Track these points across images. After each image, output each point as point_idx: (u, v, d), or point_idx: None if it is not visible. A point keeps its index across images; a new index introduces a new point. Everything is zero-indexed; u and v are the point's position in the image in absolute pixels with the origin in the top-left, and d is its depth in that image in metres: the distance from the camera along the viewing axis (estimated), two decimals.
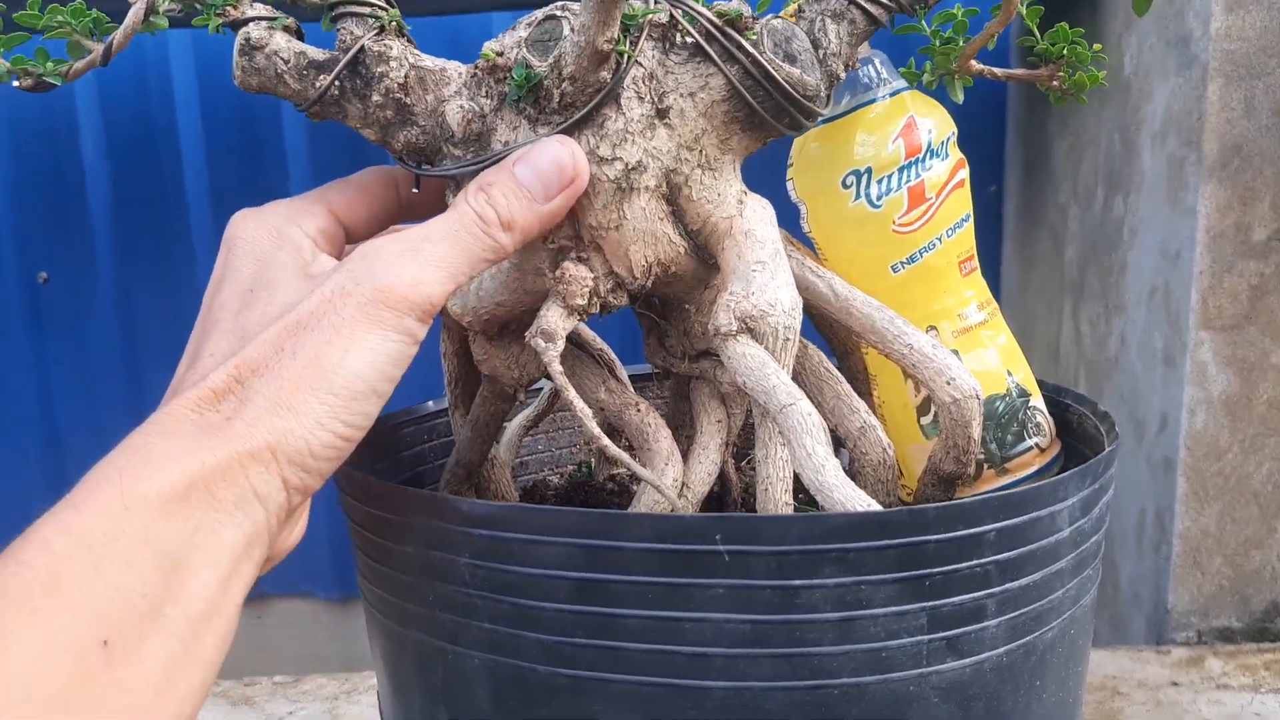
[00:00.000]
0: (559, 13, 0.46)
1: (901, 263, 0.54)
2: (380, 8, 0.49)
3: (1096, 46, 0.55)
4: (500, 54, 0.47)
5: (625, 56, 0.45)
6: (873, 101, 0.53)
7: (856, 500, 0.41)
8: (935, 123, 0.54)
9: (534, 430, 0.67)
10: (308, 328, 0.40)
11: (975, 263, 0.56)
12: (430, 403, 0.67)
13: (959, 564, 0.39)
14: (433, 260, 0.42)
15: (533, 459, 0.69)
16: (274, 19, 0.50)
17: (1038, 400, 0.56)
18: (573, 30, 0.44)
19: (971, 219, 0.56)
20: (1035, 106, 1.32)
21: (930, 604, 0.38)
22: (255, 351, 0.40)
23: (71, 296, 1.57)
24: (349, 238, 0.51)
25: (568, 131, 0.45)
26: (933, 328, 0.55)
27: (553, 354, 0.45)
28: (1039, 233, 1.32)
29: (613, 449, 0.43)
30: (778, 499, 0.45)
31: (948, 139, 0.55)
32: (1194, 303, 0.91)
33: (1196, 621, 0.99)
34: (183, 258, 1.55)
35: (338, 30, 0.50)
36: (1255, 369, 0.93)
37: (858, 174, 0.53)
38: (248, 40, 0.50)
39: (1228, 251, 0.90)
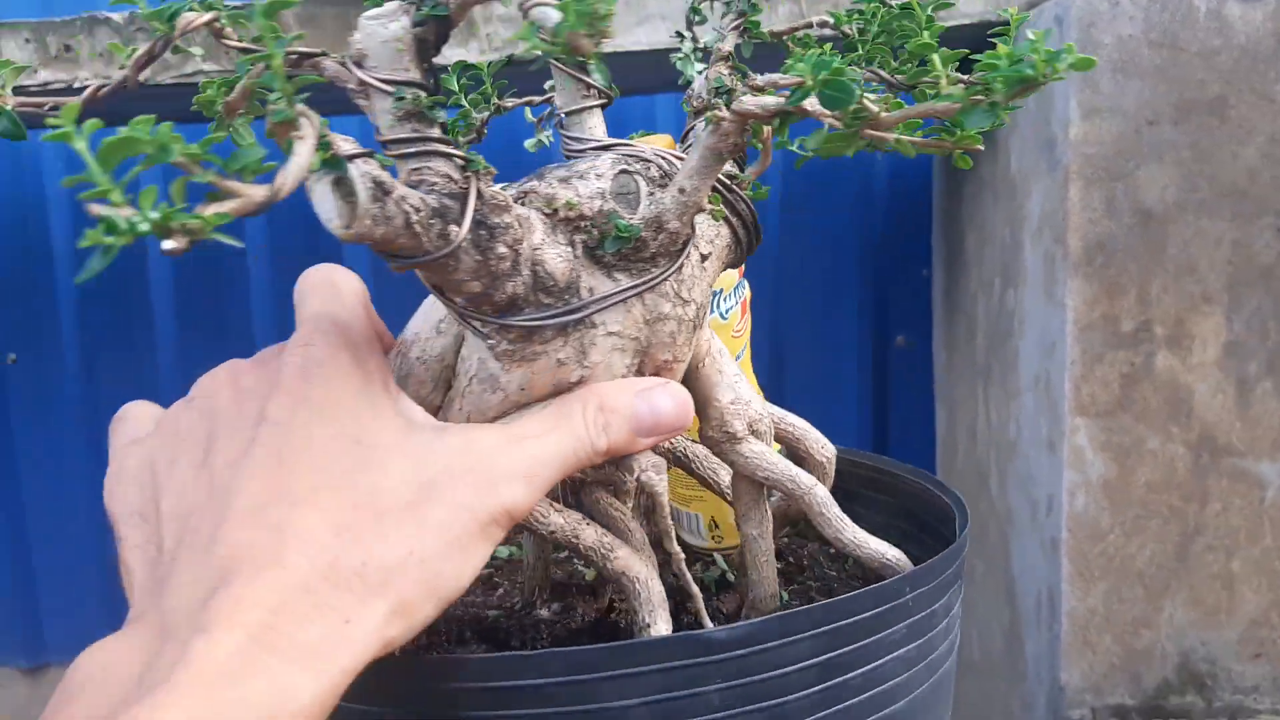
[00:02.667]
0: (628, 167, 0.46)
1: (735, 358, 0.62)
2: (469, 152, 0.44)
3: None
4: (576, 204, 0.46)
5: (717, 215, 0.48)
6: None
7: (886, 549, 0.49)
8: None
9: None
10: (431, 530, 0.37)
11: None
12: None
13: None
14: (540, 485, 0.40)
15: None
16: (371, 153, 0.42)
17: None
18: (674, 190, 0.45)
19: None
20: (953, 198, 1.38)
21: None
22: (392, 549, 0.36)
23: (39, 375, 1.63)
24: None
25: (660, 278, 0.46)
26: None
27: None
28: (958, 318, 1.37)
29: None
30: (768, 561, 0.52)
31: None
32: (1068, 390, 0.96)
33: (1091, 699, 1.02)
34: (145, 340, 1.61)
35: (418, 169, 0.42)
36: (1131, 454, 0.97)
37: (716, 293, 0.61)
38: (380, 183, 0.39)
39: (1097, 342, 0.95)
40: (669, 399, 0.44)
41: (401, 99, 0.42)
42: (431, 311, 0.47)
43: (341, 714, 0.36)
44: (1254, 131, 0.92)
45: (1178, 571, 0.99)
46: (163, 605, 0.35)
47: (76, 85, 1.14)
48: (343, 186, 0.37)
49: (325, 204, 0.37)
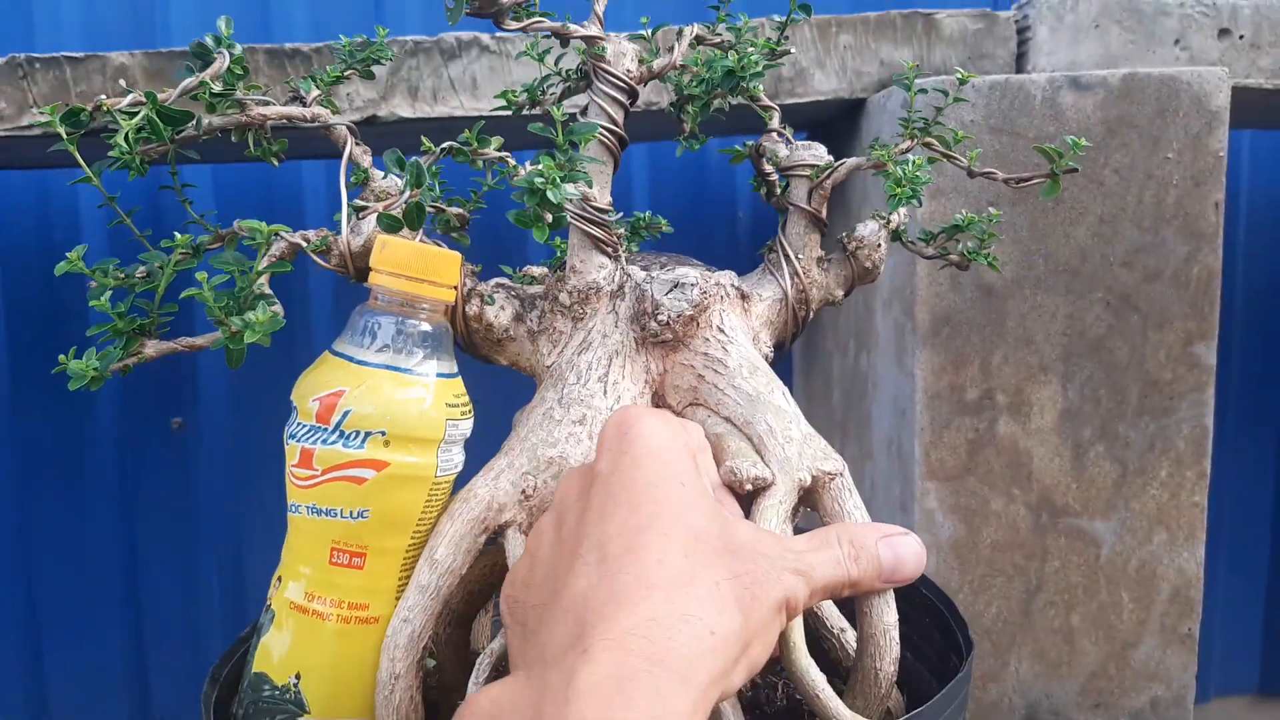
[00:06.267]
0: None
1: (293, 503, 0.52)
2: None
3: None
4: None
5: None
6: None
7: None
8: (357, 405, 0.50)
9: None
10: (758, 580, 0.41)
11: (359, 563, 0.51)
12: None
13: None
14: (811, 590, 0.43)
15: None
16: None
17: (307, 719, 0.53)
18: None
19: (369, 519, 0.51)
20: None
21: None
22: (738, 575, 0.40)
23: None
24: None
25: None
26: (280, 579, 0.53)
27: None
28: (816, 372, 1.41)
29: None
30: None
31: (370, 432, 0.50)
32: (918, 456, 0.99)
33: None
34: None
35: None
36: (977, 515, 1.01)
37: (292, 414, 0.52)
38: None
39: (945, 410, 0.99)
40: (912, 546, 0.47)
41: None
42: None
43: None
44: (1085, 213, 0.98)
45: (1022, 626, 1.04)
46: (540, 644, 0.38)
47: None
48: None
49: None
